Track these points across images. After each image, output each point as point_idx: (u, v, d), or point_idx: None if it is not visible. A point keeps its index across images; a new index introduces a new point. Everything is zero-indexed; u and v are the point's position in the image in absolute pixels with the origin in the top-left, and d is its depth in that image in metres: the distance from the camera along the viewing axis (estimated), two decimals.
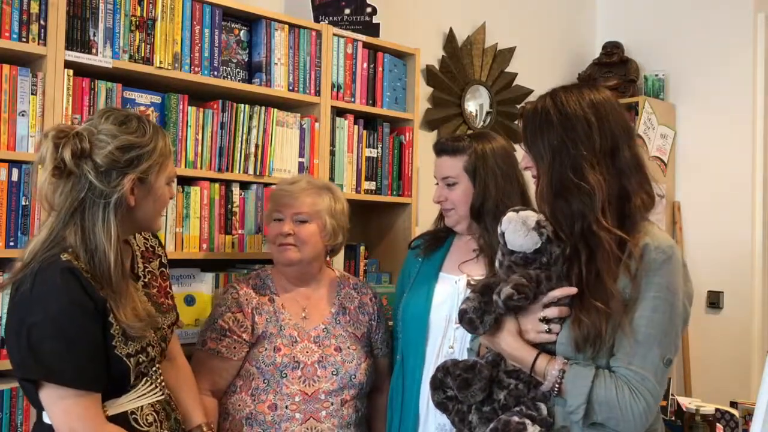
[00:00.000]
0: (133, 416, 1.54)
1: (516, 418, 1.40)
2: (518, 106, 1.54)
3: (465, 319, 1.48)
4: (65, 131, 1.48)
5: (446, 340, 1.92)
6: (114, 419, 1.50)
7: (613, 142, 1.47)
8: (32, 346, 1.41)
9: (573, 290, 1.42)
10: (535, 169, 1.52)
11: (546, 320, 1.45)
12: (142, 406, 1.56)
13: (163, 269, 1.77)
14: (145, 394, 1.58)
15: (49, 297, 1.43)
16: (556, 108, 1.49)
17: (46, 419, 1.49)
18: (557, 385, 1.41)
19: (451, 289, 1.96)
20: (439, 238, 2.08)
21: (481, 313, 1.46)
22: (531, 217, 1.46)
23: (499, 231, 1.50)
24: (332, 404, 1.96)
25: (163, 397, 1.63)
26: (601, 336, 1.38)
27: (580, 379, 1.39)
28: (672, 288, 1.41)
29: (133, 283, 1.62)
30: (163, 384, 1.66)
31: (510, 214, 1.48)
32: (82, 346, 1.44)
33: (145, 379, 1.59)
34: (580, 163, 1.45)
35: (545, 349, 1.46)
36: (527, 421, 1.39)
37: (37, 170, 1.50)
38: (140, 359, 1.54)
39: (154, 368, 1.63)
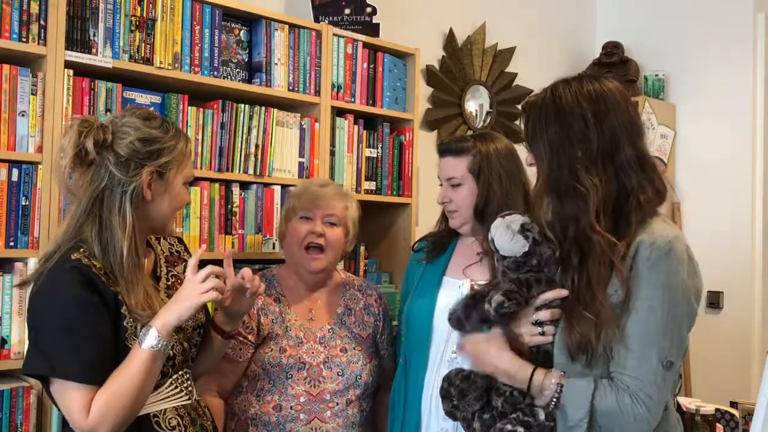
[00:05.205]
0: (156, 419, 1.52)
1: (509, 427, 1.41)
2: (521, 104, 1.53)
3: (453, 318, 1.53)
4: (89, 122, 1.51)
5: (449, 345, 1.90)
6: (136, 421, 1.48)
7: (613, 140, 1.41)
8: (36, 341, 1.45)
9: (564, 292, 1.41)
10: (536, 167, 1.50)
11: (539, 323, 1.45)
12: (165, 410, 1.54)
13: None
14: (168, 396, 1.56)
15: (52, 292, 1.45)
16: (554, 103, 1.44)
17: None
18: (554, 400, 1.38)
19: (455, 294, 1.92)
20: (443, 244, 2.06)
21: (467, 311, 1.51)
22: (516, 221, 1.48)
23: (489, 238, 1.52)
24: (337, 404, 1.96)
25: (189, 401, 1.61)
26: (591, 344, 1.36)
27: (579, 393, 1.36)
28: (670, 285, 1.34)
29: (153, 283, 1.62)
30: (190, 388, 1.63)
31: (497, 220, 1.51)
32: (83, 340, 1.43)
33: (168, 380, 1.57)
34: (574, 164, 1.40)
35: (542, 349, 1.45)
36: (519, 429, 1.40)
37: (59, 159, 1.53)
38: None
39: (181, 372, 1.61)
